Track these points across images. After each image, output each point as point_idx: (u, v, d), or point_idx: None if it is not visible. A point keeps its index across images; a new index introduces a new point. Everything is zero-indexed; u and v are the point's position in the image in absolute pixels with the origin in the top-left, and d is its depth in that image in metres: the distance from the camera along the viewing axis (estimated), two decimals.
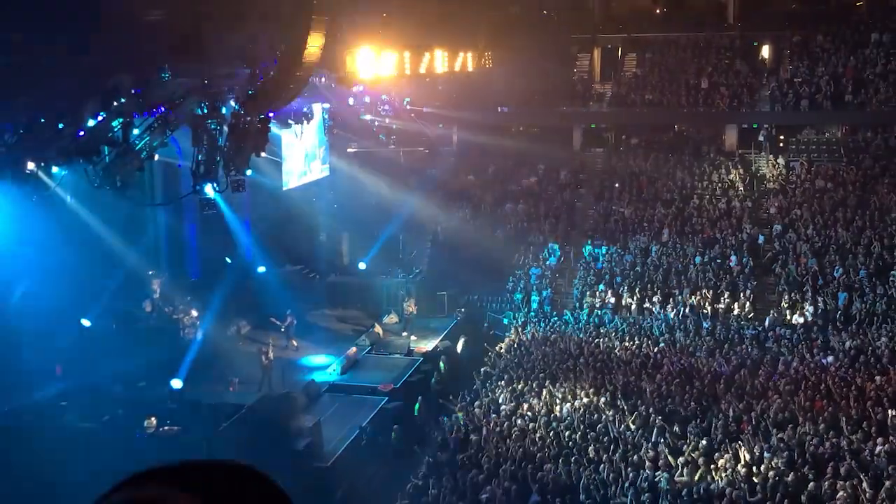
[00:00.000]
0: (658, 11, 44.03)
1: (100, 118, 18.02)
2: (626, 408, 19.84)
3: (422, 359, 26.26)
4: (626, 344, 25.32)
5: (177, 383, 22.00)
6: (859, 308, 27.10)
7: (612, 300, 29.64)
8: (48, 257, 22.01)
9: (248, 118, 19.71)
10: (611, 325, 27.86)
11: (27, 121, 17.65)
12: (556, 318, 28.76)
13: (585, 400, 20.55)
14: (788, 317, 27.62)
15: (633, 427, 18.85)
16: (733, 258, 30.70)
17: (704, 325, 27.28)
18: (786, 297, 28.49)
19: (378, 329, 28.44)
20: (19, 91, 16.86)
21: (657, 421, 18.88)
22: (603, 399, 20.51)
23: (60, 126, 17.77)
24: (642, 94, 38.88)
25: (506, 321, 29.26)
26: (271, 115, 21.05)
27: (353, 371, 25.42)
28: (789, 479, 15.98)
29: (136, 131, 18.58)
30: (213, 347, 24.54)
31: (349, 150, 33.56)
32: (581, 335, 26.44)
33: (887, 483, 15.62)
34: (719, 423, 18.63)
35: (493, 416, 20.17)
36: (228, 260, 28.72)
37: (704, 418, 19.15)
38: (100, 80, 17.77)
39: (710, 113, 37.51)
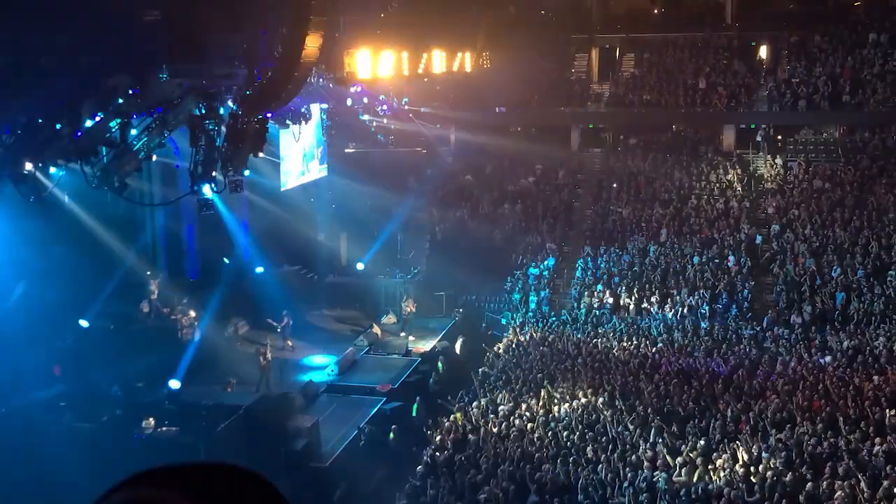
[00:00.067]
0: (656, 12, 44.05)
1: (98, 119, 18.01)
2: (624, 408, 19.84)
3: (420, 359, 26.27)
4: (625, 344, 25.32)
5: (175, 384, 22.00)
6: (857, 308, 27.14)
7: (611, 300, 29.66)
8: (46, 258, 22.01)
9: (246, 119, 19.70)
10: (609, 325, 27.86)
11: (25, 121, 17.64)
12: (554, 319, 28.76)
13: (584, 400, 20.55)
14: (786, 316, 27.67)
15: (631, 427, 18.84)
16: (731, 258, 30.73)
17: (702, 325, 27.30)
18: (783, 297, 28.52)
19: (376, 329, 28.44)
20: (17, 91, 16.85)
21: (655, 421, 18.88)
22: (601, 399, 20.51)
23: (58, 126, 17.75)
24: (640, 94, 38.89)
25: (504, 321, 29.26)
26: (269, 115, 21.05)
27: (352, 371, 25.42)
28: (787, 479, 15.99)
29: (133, 132, 18.57)
30: (211, 348, 24.53)
31: (347, 150, 33.58)
32: (579, 335, 26.44)
33: (885, 483, 15.63)
34: (717, 423, 18.63)
35: (492, 416, 20.17)
36: (226, 260, 28.70)
37: (703, 418, 19.14)
38: (98, 80, 17.77)
39: (707, 113, 37.53)
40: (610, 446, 17.99)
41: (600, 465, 17.09)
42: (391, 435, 20.50)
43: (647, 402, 20.03)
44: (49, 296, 21.91)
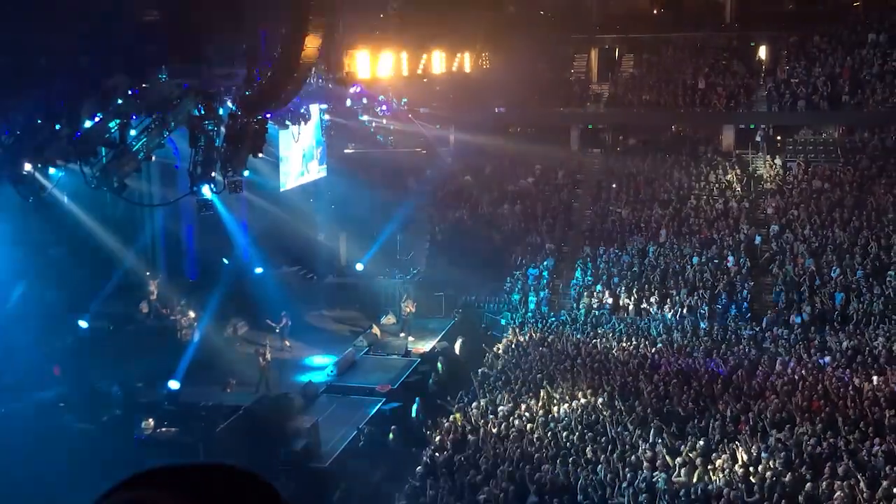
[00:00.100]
0: (655, 12, 44.06)
1: (97, 119, 18.01)
2: (623, 408, 19.84)
3: (419, 360, 26.26)
4: (624, 344, 25.32)
5: (174, 385, 21.99)
6: (856, 308, 27.14)
7: (610, 301, 29.66)
8: (45, 258, 22.02)
9: (246, 119, 19.70)
10: (608, 325, 27.86)
11: (24, 121, 17.64)
12: (553, 319, 28.76)
13: (583, 400, 20.54)
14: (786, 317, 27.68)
15: (630, 427, 18.84)
16: (731, 259, 30.74)
17: (702, 325, 27.30)
18: (783, 297, 28.53)
19: (376, 330, 28.43)
20: (16, 92, 16.86)
21: (655, 421, 18.87)
22: (601, 399, 20.51)
23: (57, 127, 17.76)
24: (639, 94, 38.92)
25: (503, 322, 29.26)
26: (268, 115, 21.05)
27: (351, 372, 25.41)
28: (787, 479, 15.98)
29: (133, 132, 18.56)
30: (211, 349, 24.51)
31: (346, 150, 33.57)
32: (578, 336, 26.43)
33: (884, 483, 15.63)
34: (717, 424, 18.63)
35: (491, 416, 20.16)
36: (226, 261, 28.68)
37: (702, 419, 19.14)
38: (97, 80, 17.77)
39: (707, 113, 37.55)
40: (609, 447, 17.98)
41: (600, 466, 17.08)
42: (391, 435, 20.49)
43: (647, 403, 20.03)
44: (48, 296, 21.91)
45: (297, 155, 28.46)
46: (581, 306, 29.73)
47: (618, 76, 41.08)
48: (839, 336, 25.30)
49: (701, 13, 41.73)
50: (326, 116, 30.27)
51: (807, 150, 36.19)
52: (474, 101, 36.80)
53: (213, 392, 22.65)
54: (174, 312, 25.89)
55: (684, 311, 28.43)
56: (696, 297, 28.88)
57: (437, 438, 19.30)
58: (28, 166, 18.00)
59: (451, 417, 20.44)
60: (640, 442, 18.06)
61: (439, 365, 25.32)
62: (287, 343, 26.72)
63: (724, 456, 17.25)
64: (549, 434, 18.82)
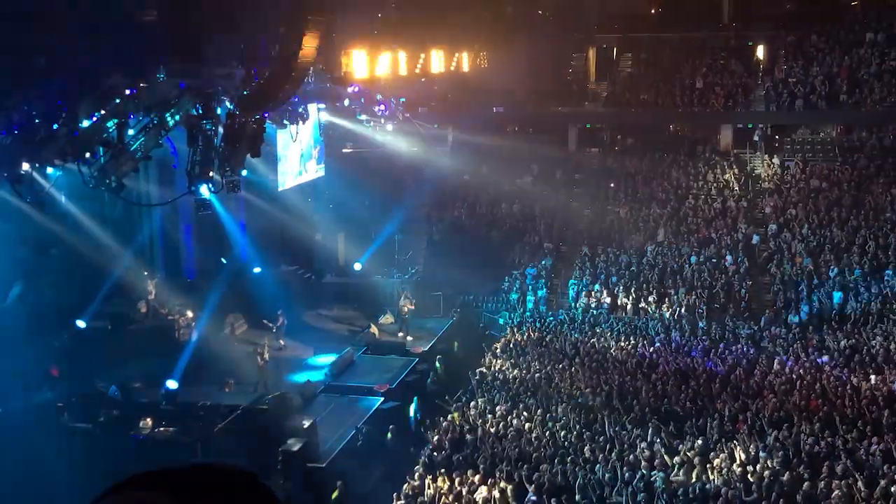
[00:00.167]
0: (653, 11, 44.11)
1: (95, 119, 18.00)
2: (621, 408, 19.85)
3: (417, 359, 26.24)
4: (622, 344, 25.33)
5: (172, 384, 21.97)
6: (854, 307, 27.16)
7: (608, 300, 29.67)
8: (43, 258, 22.01)
9: (244, 119, 19.69)
10: (606, 325, 27.86)
11: (22, 121, 17.62)
12: (551, 318, 28.76)
13: (581, 400, 20.55)
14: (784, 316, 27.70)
15: (628, 427, 18.85)
16: (728, 258, 30.76)
17: (700, 324, 27.31)
18: (781, 296, 28.55)
19: (374, 329, 28.40)
20: (14, 91, 16.85)
21: (653, 421, 18.89)
22: (599, 399, 20.51)
23: (55, 127, 17.75)
24: (637, 93, 38.95)
25: (501, 321, 29.26)
26: (266, 115, 21.04)
27: (349, 372, 25.39)
28: (785, 478, 15.99)
29: (131, 132, 18.54)
30: (209, 348, 24.49)
31: (344, 150, 33.53)
32: (577, 335, 26.43)
33: (882, 482, 15.64)
34: (715, 423, 18.63)
35: (489, 416, 20.17)
36: (224, 261, 28.66)
37: (700, 418, 19.15)
38: (95, 80, 17.76)
39: (705, 113, 37.60)
40: (608, 446, 17.98)
41: (598, 465, 17.09)
42: (389, 435, 20.49)
43: (645, 402, 20.04)
44: (46, 296, 21.92)
45: (296, 154, 28.43)
46: (579, 305, 29.74)
47: (616, 76, 41.12)
48: (837, 335, 25.30)
49: (699, 13, 41.77)
50: (324, 116, 30.22)
51: (805, 149, 36.23)
52: (472, 100, 36.80)
53: (211, 392, 22.62)
54: (172, 312, 25.87)
55: (682, 310, 28.44)
56: (694, 297, 28.89)
57: (436, 438, 19.30)
58: (26, 166, 18.01)
59: (450, 417, 20.45)
60: (639, 441, 18.06)
61: (437, 364, 25.31)
62: (282, 342, 26.69)
63: (722, 455, 17.25)
64: (548, 433, 18.83)
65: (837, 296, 27.85)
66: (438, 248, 33.74)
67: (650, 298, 29.26)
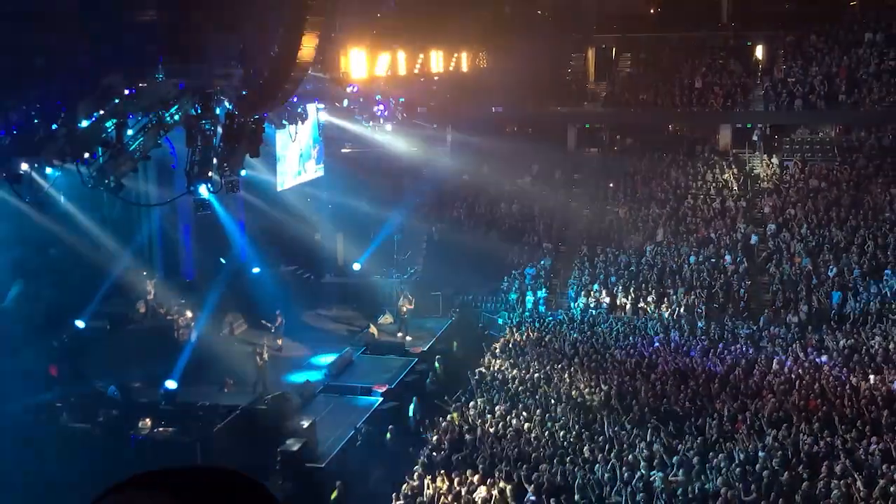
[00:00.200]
0: (652, 11, 44.11)
1: (94, 119, 17.99)
2: (620, 407, 19.86)
3: (417, 359, 26.25)
4: (621, 344, 25.33)
5: (171, 384, 21.96)
6: (853, 307, 27.17)
7: (607, 300, 29.67)
8: (42, 258, 22.00)
9: (242, 119, 19.68)
10: (605, 324, 27.87)
11: (21, 121, 17.61)
12: (550, 318, 28.77)
13: (580, 400, 20.55)
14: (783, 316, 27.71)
15: (628, 427, 18.85)
16: (728, 258, 30.77)
17: (699, 324, 27.31)
18: (780, 296, 28.56)
19: (373, 329, 28.40)
20: (13, 91, 16.83)
21: (652, 420, 18.90)
22: (598, 399, 20.52)
23: (54, 127, 17.74)
24: (636, 93, 38.96)
25: (501, 321, 29.27)
26: (265, 115, 21.03)
27: (349, 372, 25.39)
28: (784, 478, 15.99)
29: (130, 132, 18.53)
30: (208, 348, 24.48)
31: (343, 150, 33.53)
32: (576, 335, 26.44)
33: (881, 482, 15.65)
34: (714, 423, 18.64)
35: (488, 416, 20.17)
36: (223, 261, 28.67)
37: (699, 418, 19.16)
38: (94, 80, 17.75)
39: (704, 113, 37.61)
40: (607, 446, 17.99)
41: (597, 465, 17.09)
42: (388, 435, 20.50)
43: (644, 402, 20.05)
44: (45, 296, 21.89)
45: (295, 154, 28.41)
46: (578, 305, 29.75)
47: (615, 75, 41.13)
48: (836, 335, 25.32)
49: (698, 13, 41.75)
50: (323, 116, 30.22)
51: (804, 149, 36.25)
52: (471, 100, 36.79)
53: (210, 392, 22.61)
54: (171, 312, 25.85)
55: (681, 310, 28.45)
56: (693, 296, 28.90)
57: (435, 438, 19.31)
58: (25, 166, 18.00)
59: (449, 417, 20.45)
60: (638, 441, 18.07)
61: (437, 364, 25.31)
62: (279, 342, 26.68)
63: (721, 455, 17.26)
64: (547, 433, 18.83)
65: (836, 296, 27.86)
66: (437, 248, 33.75)
67: (649, 298, 29.27)
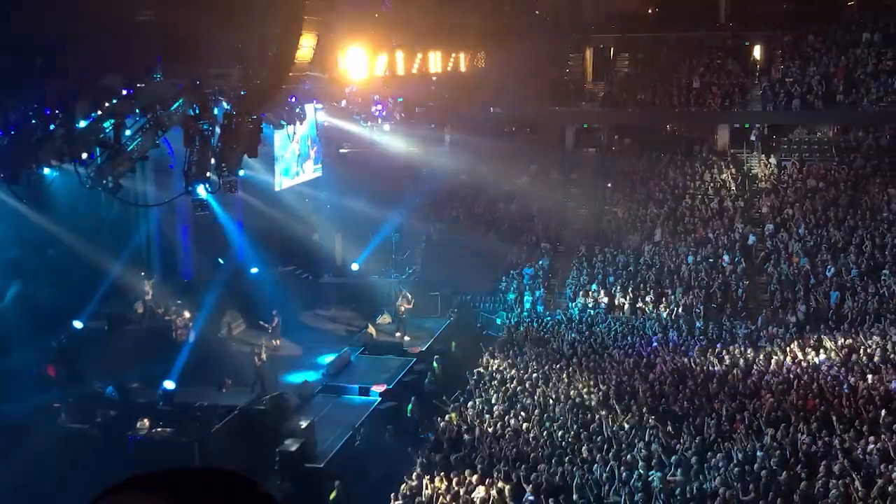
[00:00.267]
0: (650, 11, 44.14)
1: (91, 119, 17.98)
2: (619, 407, 19.87)
3: (415, 359, 26.24)
4: (620, 344, 25.35)
5: (169, 385, 21.94)
6: (851, 307, 27.19)
7: (605, 300, 29.68)
8: (39, 259, 21.96)
9: (240, 119, 19.67)
10: (604, 324, 27.89)
11: (19, 121, 17.60)
12: (549, 318, 28.78)
13: (578, 400, 20.56)
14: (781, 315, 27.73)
15: (626, 426, 18.86)
16: (726, 257, 30.79)
17: (697, 324, 27.33)
18: (778, 296, 28.57)
19: (371, 329, 28.39)
20: (11, 91, 16.82)
21: (650, 420, 18.91)
22: (596, 399, 20.52)
23: (52, 127, 17.72)
24: (634, 93, 38.98)
25: (499, 321, 29.27)
26: (263, 115, 21.02)
27: (347, 372, 25.38)
28: (782, 477, 16.01)
29: (127, 132, 18.52)
30: (206, 349, 24.46)
31: (341, 150, 33.51)
32: (574, 335, 26.45)
33: (879, 481, 15.66)
34: (712, 423, 18.65)
35: (487, 416, 20.18)
36: (221, 261, 28.64)
37: (697, 417, 19.17)
38: (91, 80, 17.74)
39: (702, 113, 37.65)
40: (605, 446, 18.00)
41: (596, 465, 17.10)
42: (386, 435, 20.49)
43: (642, 402, 20.06)
44: (43, 296, 21.85)
45: (292, 155, 28.41)
46: (576, 305, 29.75)
47: (613, 76, 41.16)
48: (834, 335, 25.34)
49: (696, 13, 41.78)
50: (321, 116, 30.21)
51: (801, 149, 36.29)
52: (470, 100, 36.77)
53: (208, 392, 22.57)
54: (169, 313, 25.81)
55: (679, 310, 28.46)
56: (691, 296, 28.92)
57: (433, 438, 19.31)
58: (23, 166, 17.96)
59: (447, 417, 20.45)
60: (636, 441, 18.08)
61: (435, 364, 25.31)
62: (276, 342, 26.65)
63: (719, 455, 17.27)
64: (545, 433, 18.84)
65: (834, 295, 27.88)
66: (436, 249, 33.75)
67: (647, 298, 29.28)
